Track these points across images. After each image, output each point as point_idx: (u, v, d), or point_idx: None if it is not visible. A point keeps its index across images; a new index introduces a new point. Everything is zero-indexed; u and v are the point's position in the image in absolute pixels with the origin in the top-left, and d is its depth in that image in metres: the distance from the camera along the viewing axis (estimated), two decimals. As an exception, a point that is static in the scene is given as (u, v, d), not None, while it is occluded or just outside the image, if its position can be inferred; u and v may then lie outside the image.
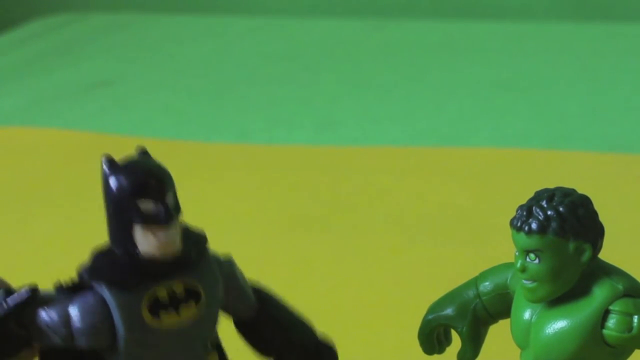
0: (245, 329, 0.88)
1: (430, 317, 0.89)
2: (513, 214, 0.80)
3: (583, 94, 2.14)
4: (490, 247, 1.40)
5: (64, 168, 1.88)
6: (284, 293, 1.34)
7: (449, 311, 0.87)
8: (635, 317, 0.77)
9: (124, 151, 2.10)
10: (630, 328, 0.77)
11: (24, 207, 1.71)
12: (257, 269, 1.41)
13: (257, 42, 2.78)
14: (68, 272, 1.48)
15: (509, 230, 0.80)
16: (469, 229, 1.50)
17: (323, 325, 1.24)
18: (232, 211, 1.63)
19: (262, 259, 1.45)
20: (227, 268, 0.84)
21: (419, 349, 0.90)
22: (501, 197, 1.58)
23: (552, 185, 0.82)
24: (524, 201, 0.80)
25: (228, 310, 0.85)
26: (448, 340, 0.90)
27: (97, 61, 2.70)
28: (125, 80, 2.49)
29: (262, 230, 1.55)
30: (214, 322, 0.83)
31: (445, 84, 2.29)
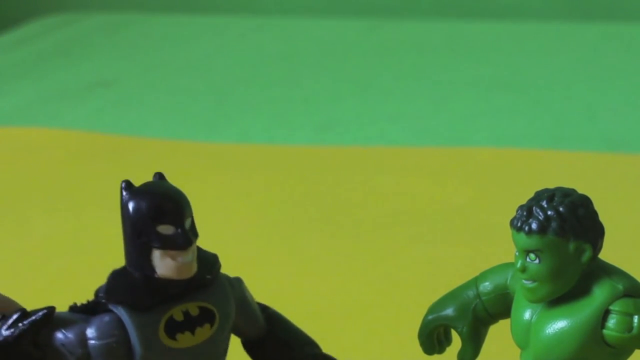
0: (253, 349, 0.89)
1: (430, 317, 0.89)
2: (513, 213, 0.80)
3: (583, 94, 2.14)
4: (490, 246, 1.40)
5: (64, 168, 1.88)
6: (284, 292, 1.34)
7: (449, 311, 0.88)
8: (636, 317, 0.77)
9: (124, 151, 2.11)
10: (630, 328, 0.78)
11: (24, 207, 1.71)
12: (257, 269, 1.42)
13: (257, 42, 2.78)
14: (68, 272, 1.48)
15: (508, 230, 0.80)
16: (469, 228, 1.50)
17: (322, 324, 1.24)
18: (232, 211, 1.63)
19: (262, 259, 1.45)
20: (238, 289, 0.86)
21: (420, 349, 0.90)
22: (501, 197, 1.58)
23: (552, 185, 0.82)
24: (523, 201, 0.80)
25: (238, 330, 0.87)
26: (448, 340, 0.90)
27: (97, 61, 2.70)
28: (124, 80, 2.49)
29: (262, 230, 1.55)
30: (226, 341, 0.84)
31: (445, 84, 2.29)
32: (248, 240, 1.52)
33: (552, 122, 1.98)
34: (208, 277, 0.82)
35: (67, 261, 1.49)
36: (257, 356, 0.89)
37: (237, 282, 0.86)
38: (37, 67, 2.67)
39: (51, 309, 0.79)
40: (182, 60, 2.66)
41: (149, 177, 0.83)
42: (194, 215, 0.82)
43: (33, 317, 0.78)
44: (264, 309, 0.89)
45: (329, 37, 2.79)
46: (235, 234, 1.54)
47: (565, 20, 2.82)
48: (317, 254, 1.46)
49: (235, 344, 0.88)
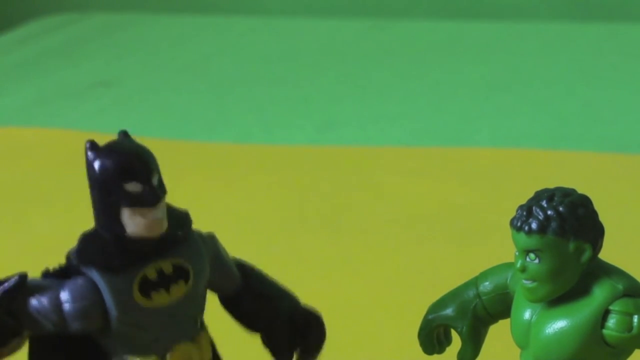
0: (231, 305, 0.88)
1: (430, 317, 0.89)
2: (513, 213, 0.80)
3: (583, 94, 2.14)
4: (490, 246, 1.40)
5: (63, 168, 1.88)
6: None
7: (449, 311, 0.87)
8: (635, 317, 0.77)
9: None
10: (630, 328, 0.77)
11: (23, 207, 1.71)
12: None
13: (257, 42, 2.78)
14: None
15: (509, 230, 0.80)
16: (469, 228, 1.50)
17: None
18: (232, 211, 1.63)
19: (262, 259, 1.45)
20: (211, 245, 0.85)
21: (419, 349, 0.90)
22: (501, 197, 1.58)
23: (552, 185, 0.82)
24: (524, 201, 0.80)
25: (213, 287, 0.86)
26: (448, 340, 0.90)
27: (97, 61, 2.70)
28: (124, 80, 2.49)
29: (262, 229, 1.55)
30: (202, 298, 0.84)
31: (446, 84, 2.29)
32: (248, 240, 1.51)
33: (552, 122, 1.98)
34: (179, 233, 0.80)
35: (67, 261, 1.49)
36: (235, 311, 0.88)
37: (210, 238, 0.85)
38: (37, 67, 2.67)
39: (23, 275, 0.78)
40: (182, 60, 2.66)
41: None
42: (194, 215, 0.82)
43: (5, 285, 0.78)
44: (240, 264, 0.88)
45: (329, 37, 2.79)
46: (235, 234, 1.54)
47: (565, 20, 2.82)
48: (317, 253, 1.46)
49: (212, 302, 0.87)
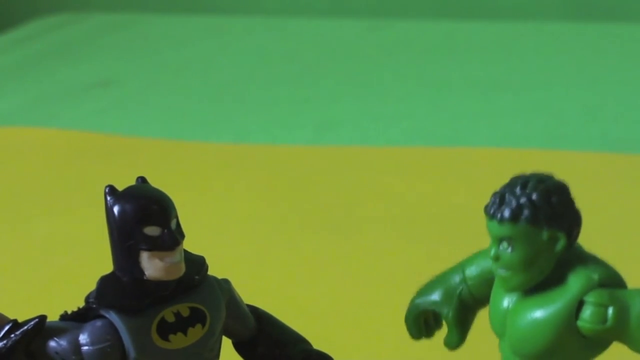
0: (245, 350, 0.89)
1: (416, 301, 0.88)
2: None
3: (583, 94, 2.14)
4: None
5: (64, 168, 1.88)
6: (283, 292, 1.34)
7: (435, 296, 0.87)
8: (610, 308, 0.75)
9: (123, 151, 2.11)
10: (604, 320, 0.75)
11: (23, 207, 1.71)
12: (256, 268, 1.42)
13: (257, 42, 2.78)
14: (67, 272, 1.48)
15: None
16: (469, 228, 1.50)
17: (322, 324, 1.24)
18: (232, 211, 1.63)
19: (261, 259, 1.45)
20: (226, 289, 0.86)
21: (419, 347, 0.89)
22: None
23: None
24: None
25: (228, 331, 0.87)
26: (438, 325, 0.89)
27: (97, 61, 2.70)
28: (124, 80, 2.49)
29: (262, 229, 1.55)
30: (218, 342, 0.85)
31: (445, 84, 2.29)
32: (248, 240, 1.52)
33: (552, 122, 1.98)
34: (196, 277, 0.82)
35: (67, 261, 1.49)
36: (249, 356, 0.89)
37: (225, 283, 0.86)
38: (37, 67, 2.67)
39: (42, 318, 0.79)
40: (182, 60, 2.66)
41: (148, 177, 0.83)
42: (194, 215, 0.82)
43: (25, 327, 0.78)
44: (254, 309, 0.89)
45: (329, 37, 2.79)
46: (235, 234, 1.54)
47: (565, 20, 2.82)
48: (316, 253, 1.46)
49: (227, 346, 0.88)
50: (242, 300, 0.88)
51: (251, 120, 2.12)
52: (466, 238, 1.48)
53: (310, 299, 1.33)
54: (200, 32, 2.94)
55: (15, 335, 0.78)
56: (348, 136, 1.98)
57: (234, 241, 1.51)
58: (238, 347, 0.89)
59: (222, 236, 1.52)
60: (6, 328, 0.78)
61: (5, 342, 0.78)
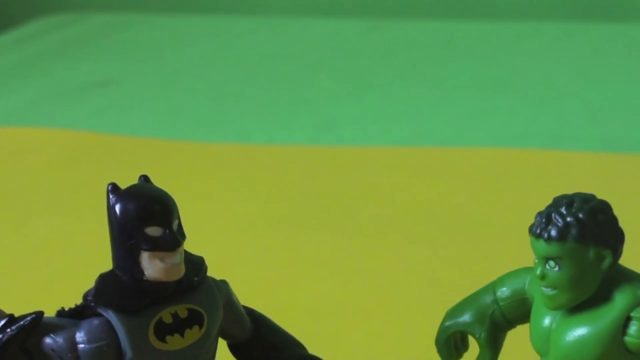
0: (241, 352, 0.89)
1: (447, 323, 0.88)
2: (513, 213, 0.79)
3: (583, 94, 2.14)
4: (490, 246, 1.40)
5: (63, 168, 1.88)
6: (283, 292, 1.34)
7: (466, 317, 0.87)
8: None
9: (124, 151, 2.11)
10: None
11: (23, 207, 1.71)
12: (256, 269, 1.42)
13: (257, 42, 2.78)
14: (67, 272, 1.48)
15: (508, 230, 0.80)
16: (469, 228, 1.50)
17: (322, 324, 1.24)
18: (232, 211, 1.63)
19: (261, 259, 1.45)
20: (224, 291, 0.86)
21: (419, 348, 0.90)
22: (501, 197, 1.57)
23: (552, 185, 0.81)
24: (523, 201, 0.80)
25: (225, 333, 0.87)
26: (465, 346, 0.89)
27: (97, 61, 2.70)
28: (124, 80, 2.49)
29: (262, 229, 1.55)
30: (214, 344, 0.85)
31: (445, 84, 2.29)
32: (247, 240, 1.52)
33: (552, 122, 1.98)
34: (195, 279, 0.82)
35: (67, 261, 1.49)
36: (244, 359, 0.89)
37: (223, 285, 0.86)
38: (37, 67, 2.67)
39: (39, 314, 0.79)
40: (182, 60, 2.66)
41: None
42: (194, 215, 0.82)
43: (21, 322, 0.78)
44: (250, 312, 0.89)
45: (329, 37, 2.79)
46: (234, 234, 1.54)
47: (565, 20, 2.82)
48: (316, 254, 1.46)
49: (222, 348, 0.88)
50: (239, 302, 0.88)
51: (251, 120, 2.12)
52: (466, 238, 1.48)
53: (310, 299, 1.33)
54: (200, 32, 2.94)
55: (12, 330, 0.78)
56: (348, 136, 1.98)
57: (233, 241, 1.51)
58: (233, 349, 0.89)
59: (221, 236, 1.52)
60: (2, 323, 0.78)
61: (0, 336, 0.78)
